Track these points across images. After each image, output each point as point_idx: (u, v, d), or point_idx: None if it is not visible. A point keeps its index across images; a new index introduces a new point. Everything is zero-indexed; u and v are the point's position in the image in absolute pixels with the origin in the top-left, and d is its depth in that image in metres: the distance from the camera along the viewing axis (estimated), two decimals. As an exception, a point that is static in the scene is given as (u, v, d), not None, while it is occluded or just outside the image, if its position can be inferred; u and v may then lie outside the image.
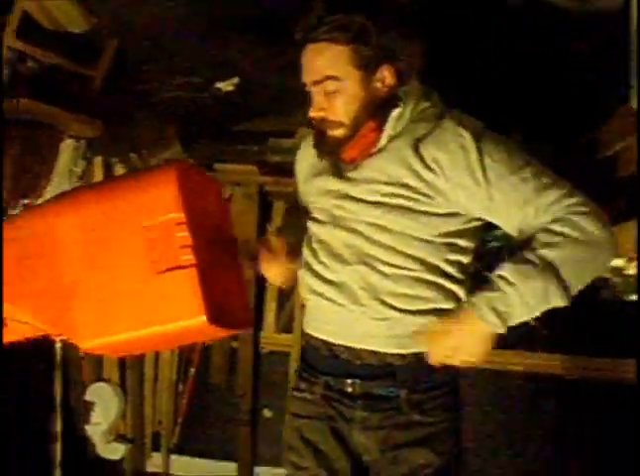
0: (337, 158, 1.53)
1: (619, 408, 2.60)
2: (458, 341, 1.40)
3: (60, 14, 2.51)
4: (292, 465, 1.61)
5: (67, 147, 2.75)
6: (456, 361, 1.42)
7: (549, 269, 1.32)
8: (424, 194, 1.45)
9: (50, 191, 2.68)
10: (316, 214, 1.60)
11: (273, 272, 1.67)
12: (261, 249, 1.64)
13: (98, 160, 2.98)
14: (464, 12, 2.32)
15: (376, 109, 1.47)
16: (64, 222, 1.45)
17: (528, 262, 1.34)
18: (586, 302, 2.67)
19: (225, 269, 1.56)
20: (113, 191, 1.50)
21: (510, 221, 1.43)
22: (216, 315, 1.39)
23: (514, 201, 1.40)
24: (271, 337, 3.04)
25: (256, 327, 3.00)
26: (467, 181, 1.42)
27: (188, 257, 1.38)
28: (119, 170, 3.00)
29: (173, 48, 2.62)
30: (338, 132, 1.47)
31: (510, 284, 1.34)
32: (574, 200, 1.37)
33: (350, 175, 1.53)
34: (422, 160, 1.44)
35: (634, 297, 2.68)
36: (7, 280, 1.47)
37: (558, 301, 1.34)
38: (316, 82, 1.46)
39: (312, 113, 1.49)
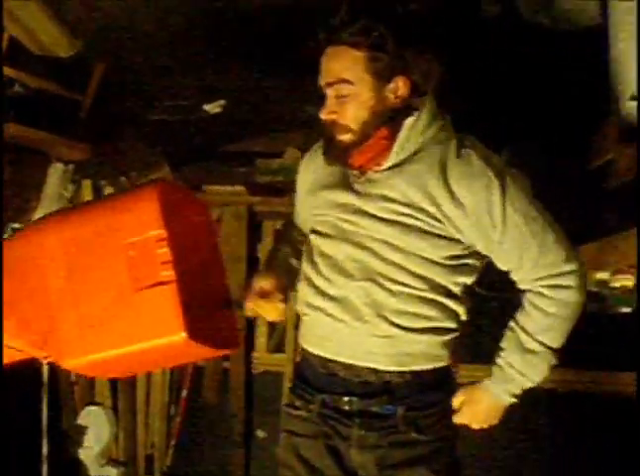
0: (345, 163, 1.53)
1: (614, 420, 2.60)
2: (478, 416, 1.57)
3: (47, 38, 2.52)
4: None
5: (56, 171, 2.76)
6: (475, 427, 1.59)
7: (549, 352, 1.50)
8: (438, 220, 1.47)
9: (39, 215, 2.68)
10: (320, 227, 1.58)
11: (269, 311, 1.62)
12: (250, 292, 1.61)
13: (87, 183, 3.00)
14: (463, 16, 2.34)
15: (387, 118, 1.48)
16: (49, 243, 1.46)
17: (532, 352, 1.49)
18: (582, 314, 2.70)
19: (210, 288, 1.55)
20: (96, 211, 1.52)
21: (507, 265, 1.52)
22: (197, 333, 1.38)
23: (518, 252, 1.48)
24: (263, 357, 3.05)
25: (247, 347, 3.01)
26: (485, 222, 1.47)
27: (169, 273, 1.38)
28: (108, 192, 3.01)
29: (160, 71, 2.64)
30: (346, 137, 1.48)
31: (522, 374, 1.51)
32: (567, 269, 1.48)
33: (363, 189, 1.52)
34: (446, 193, 1.46)
35: (623, 310, 2.69)
36: (3, 298, 1.47)
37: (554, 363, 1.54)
38: (330, 84, 1.48)
39: (323, 115, 1.50)
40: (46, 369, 1.61)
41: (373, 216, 1.50)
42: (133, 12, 2.42)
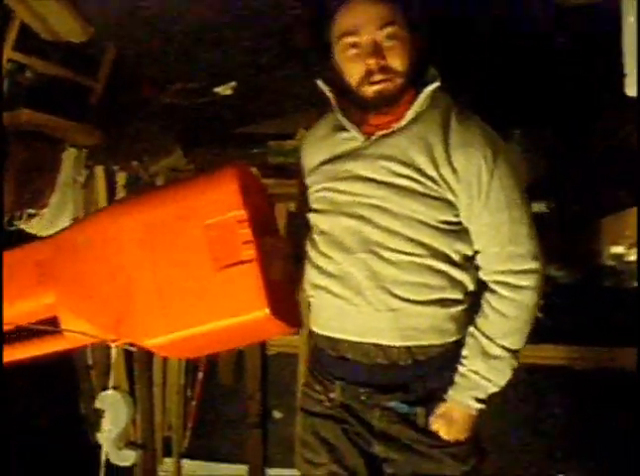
0: (363, 121, 1.53)
1: (628, 396, 2.61)
2: (454, 431, 1.54)
3: (58, 25, 2.54)
4: (307, 462, 1.63)
5: (69, 156, 2.80)
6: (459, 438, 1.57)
7: (512, 356, 1.52)
8: (434, 181, 1.48)
9: (53, 201, 2.72)
10: (317, 205, 1.60)
11: None
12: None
13: (99, 168, 3.02)
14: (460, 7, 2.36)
15: (412, 79, 1.51)
16: (128, 225, 1.51)
17: (495, 357, 1.51)
18: (590, 291, 2.72)
19: (277, 268, 1.59)
20: (175, 193, 1.57)
21: (477, 243, 1.52)
22: (277, 310, 1.44)
23: (490, 232, 1.50)
24: (278, 339, 3.05)
25: (262, 329, 3.03)
26: (472, 191, 1.48)
27: (250, 252, 1.44)
28: (120, 177, 3.04)
29: (171, 54, 2.66)
30: (395, 81, 1.49)
31: (488, 380, 1.52)
32: (531, 266, 1.49)
33: (363, 152, 1.53)
34: (445, 157, 1.48)
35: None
36: (68, 286, 1.52)
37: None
38: (382, 27, 1.47)
39: (371, 60, 1.47)
40: (114, 352, 1.66)
41: (369, 179, 1.50)
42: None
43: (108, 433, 3.11)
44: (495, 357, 1.50)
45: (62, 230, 1.72)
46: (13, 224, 2.67)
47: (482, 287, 1.56)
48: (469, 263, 1.54)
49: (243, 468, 3.08)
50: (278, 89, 2.67)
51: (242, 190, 1.48)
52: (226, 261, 1.44)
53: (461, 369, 1.53)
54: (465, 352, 1.53)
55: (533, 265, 1.50)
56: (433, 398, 1.54)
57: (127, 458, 3.16)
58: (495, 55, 2.55)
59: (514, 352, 1.52)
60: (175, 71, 2.74)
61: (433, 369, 1.54)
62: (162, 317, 1.46)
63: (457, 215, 1.50)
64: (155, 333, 1.48)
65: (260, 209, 1.59)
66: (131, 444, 3.17)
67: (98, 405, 3.13)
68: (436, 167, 1.47)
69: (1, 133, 2.49)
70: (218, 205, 1.47)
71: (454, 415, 1.53)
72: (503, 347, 1.50)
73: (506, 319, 1.50)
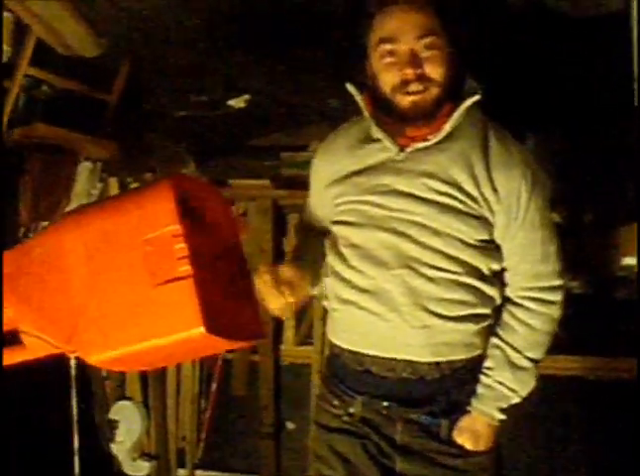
0: (399, 133, 1.50)
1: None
2: (484, 438, 1.56)
3: (73, 39, 2.60)
4: None
5: (84, 169, 2.84)
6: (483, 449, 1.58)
7: (535, 366, 1.56)
8: (474, 200, 1.48)
9: (69, 214, 2.76)
10: (346, 217, 1.56)
11: (272, 299, 1.53)
12: (266, 274, 1.52)
13: (113, 180, 3.06)
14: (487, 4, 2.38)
15: (450, 92, 1.49)
16: (69, 241, 1.49)
17: (522, 368, 1.54)
18: (604, 303, 2.73)
19: (232, 281, 1.56)
20: (113, 208, 1.54)
21: (508, 260, 1.55)
22: (216, 326, 1.39)
23: (523, 251, 1.53)
24: (291, 350, 3.09)
25: (275, 340, 3.06)
26: (511, 211, 1.50)
27: (185, 268, 1.39)
28: (134, 189, 3.08)
29: (184, 67, 2.70)
30: (431, 92, 1.46)
31: (513, 391, 1.55)
32: (557, 283, 1.55)
33: (401, 166, 1.50)
34: (486, 176, 1.48)
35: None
36: (26, 299, 1.52)
37: None
38: (421, 37, 1.45)
39: (409, 70, 1.44)
40: (74, 363, 1.65)
41: (409, 195, 1.48)
42: (157, 10, 2.49)
43: (122, 444, 3.16)
44: (522, 368, 1.53)
45: (29, 240, 1.72)
46: (29, 236, 2.71)
47: (503, 304, 1.58)
48: (497, 279, 1.56)
49: (256, 479, 3.11)
50: (291, 102, 2.70)
51: (177, 204, 1.42)
52: (163, 277, 1.39)
53: (486, 380, 1.54)
54: (489, 364, 1.55)
55: (560, 282, 1.55)
56: (456, 410, 1.56)
57: (141, 469, 3.20)
58: (507, 60, 2.57)
59: (537, 363, 1.56)
60: (189, 84, 2.78)
61: (457, 382, 1.55)
62: (103, 334, 1.44)
63: (491, 234, 1.51)
64: (96, 350, 1.45)
65: (210, 224, 1.54)
66: (145, 455, 3.21)
67: (112, 415, 3.17)
68: (477, 185, 1.47)
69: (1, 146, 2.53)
70: (154, 220, 1.42)
71: (478, 426, 1.54)
72: (529, 359, 1.54)
73: (534, 332, 1.53)
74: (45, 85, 2.74)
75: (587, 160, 2.74)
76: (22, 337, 1.52)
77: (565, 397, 2.84)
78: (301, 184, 2.36)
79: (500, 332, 1.55)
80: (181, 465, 3.19)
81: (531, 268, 1.53)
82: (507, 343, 1.54)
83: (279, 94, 2.73)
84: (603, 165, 2.68)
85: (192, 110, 2.82)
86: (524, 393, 1.55)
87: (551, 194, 1.56)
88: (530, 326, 1.53)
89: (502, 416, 1.55)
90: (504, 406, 1.55)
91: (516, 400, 1.55)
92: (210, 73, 2.70)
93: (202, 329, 1.36)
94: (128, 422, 3.16)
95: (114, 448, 3.18)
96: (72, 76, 2.70)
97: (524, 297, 1.54)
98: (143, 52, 2.68)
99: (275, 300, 1.51)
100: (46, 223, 2.70)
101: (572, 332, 2.73)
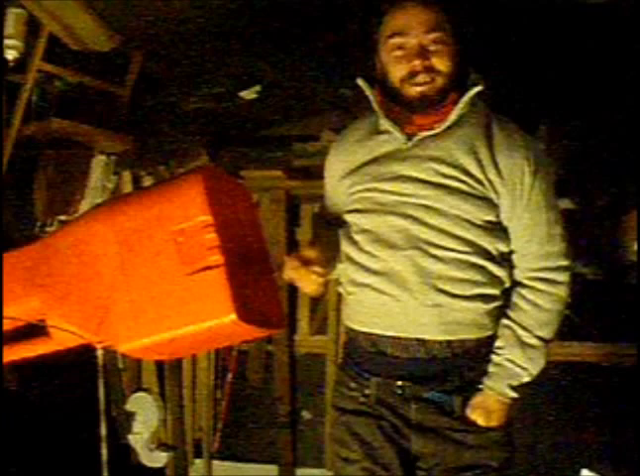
0: (407, 122, 1.57)
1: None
2: (497, 415, 1.60)
3: (85, 35, 2.64)
4: (342, 460, 1.67)
5: (99, 163, 2.88)
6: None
7: (545, 345, 1.60)
8: (479, 182, 1.54)
9: (84, 207, 2.81)
10: (359, 205, 1.62)
11: (307, 280, 1.58)
12: (292, 260, 1.57)
13: (127, 174, 3.10)
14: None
15: (456, 82, 1.57)
16: (101, 232, 1.54)
17: (531, 346, 1.58)
18: (618, 289, 2.74)
19: (255, 271, 1.61)
20: (143, 200, 1.59)
21: (515, 243, 1.60)
22: (246, 314, 1.45)
23: (530, 232, 1.58)
24: (306, 340, 3.12)
25: (290, 330, 3.09)
26: (515, 192, 1.56)
27: (216, 257, 1.44)
28: (147, 182, 3.11)
29: (195, 60, 2.73)
30: (438, 82, 1.54)
31: (523, 369, 1.59)
32: (564, 263, 1.59)
33: (409, 153, 1.57)
34: (490, 158, 1.55)
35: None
36: (52, 289, 1.57)
37: None
38: (429, 31, 1.54)
39: (417, 61, 1.53)
40: (100, 354, 1.68)
41: (417, 180, 1.55)
42: (167, 4, 2.52)
43: (139, 435, 3.20)
44: (531, 346, 1.57)
45: (50, 234, 1.76)
46: (45, 231, 2.76)
47: (512, 287, 1.63)
48: (505, 260, 1.61)
49: (273, 468, 3.14)
50: (302, 92, 2.72)
51: (208, 195, 1.48)
52: (194, 266, 1.45)
53: (496, 359, 1.59)
54: (500, 343, 1.59)
55: (567, 262, 1.58)
56: (469, 388, 1.60)
57: (158, 459, 3.24)
58: (520, 50, 2.59)
59: (547, 342, 1.59)
60: (201, 77, 2.81)
61: (469, 362, 1.59)
62: (135, 323, 1.48)
63: (498, 215, 1.57)
64: (128, 339, 1.50)
65: (235, 215, 1.59)
66: (162, 446, 3.24)
67: (129, 407, 3.22)
68: (481, 168, 1.54)
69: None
70: (184, 211, 1.48)
71: (490, 403, 1.58)
72: (539, 337, 1.57)
73: (542, 311, 1.57)
74: (58, 80, 2.78)
75: (599, 146, 2.75)
76: (48, 328, 1.55)
77: (579, 383, 2.86)
78: (314, 174, 2.39)
79: (510, 313, 1.60)
80: (198, 455, 3.22)
81: (538, 249, 1.58)
82: (517, 323, 1.58)
83: (290, 85, 2.75)
84: (615, 151, 2.69)
85: (204, 102, 2.85)
86: (534, 371, 1.59)
87: (555, 180, 1.60)
88: (538, 306, 1.57)
89: (514, 394, 1.59)
90: (515, 383, 1.58)
91: (527, 378, 1.59)
92: (221, 66, 2.73)
93: (234, 316, 1.41)
94: (144, 414, 3.19)
95: (131, 439, 3.22)
96: (85, 71, 2.74)
97: (532, 278, 1.59)
98: (154, 45, 2.71)
99: (310, 281, 1.56)
100: (62, 217, 2.75)
101: (586, 319, 2.76)
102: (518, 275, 1.61)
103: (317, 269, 1.53)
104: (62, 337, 1.57)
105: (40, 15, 2.59)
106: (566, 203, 2.78)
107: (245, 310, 1.45)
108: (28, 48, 2.63)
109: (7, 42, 2.61)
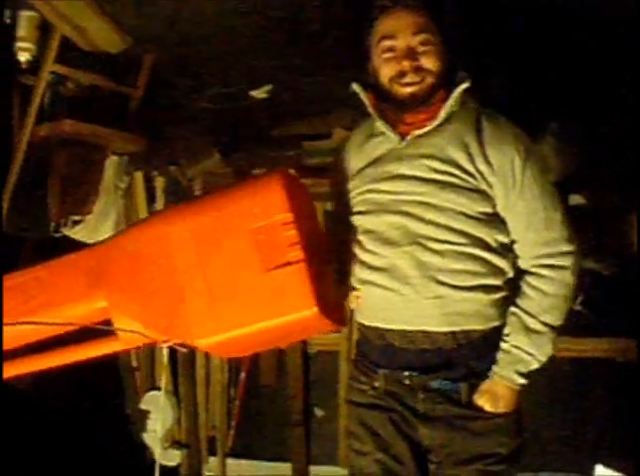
0: (398, 121, 1.65)
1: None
2: (505, 402, 1.64)
3: (97, 36, 2.68)
4: (355, 452, 1.73)
5: (111, 163, 2.92)
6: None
7: (552, 331, 1.62)
8: (471, 175, 1.60)
9: (97, 207, 2.84)
10: (361, 207, 1.69)
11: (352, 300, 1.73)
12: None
13: (139, 173, 3.14)
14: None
15: (443, 81, 1.64)
16: (178, 231, 1.60)
17: (537, 332, 1.61)
18: (629, 284, 2.76)
19: (322, 267, 1.67)
20: (220, 200, 1.67)
21: (514, 233, 1.64)
22: (325, 308, 1.53)
23: (527, 220, 1.62)
24: (319, 337, 3.12)
25: (303, 328, 3.11)
26: (507, 182, 1.61)
27: (296, 253, 1.52)
28: (159, 182, 3.15)
29: (207, 60, 2.76)
30: (427, 81, 1.62)
31: (530, 354, 1.62)
32: (567, 249, 1.62)
33: (402, 153, 1.65)
34: (480, 152, 1.61)
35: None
36: (120, 290, 1.62)
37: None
38: (416, 32, 1.62)
39: (405, 62, 1.62)
40: (166, 352, 1.74)
41: (412, 177, 1.62)
42: (178, 5, 2.56)
43: (154, 433, 3.23)
44: (537, 332, 1.60)
45: (112, 236, 1.82)
46: (59, 231, 2.80)
47: (518, 277, 1.67)
48: (506, 251, 1.65)
49: (287, 466, 3.17)
50: (313, 91, 2.75)
51: (287, 194, 1.57)
52: (274, 262, 1.53)
53: (504, 345, 1.62)
54: (507, 330, 1.63)
55: (568, 247, 1.62)
56: (475, 376, 1.64)
57: (172, 458, 3.29)
58: (532, 47, 2.60)
59: (554, 328, 1.62)
60: (211, 77, 2.84)
61: (474, 353, 1.64)
62: (214, 318, 1.55)
63: (493, 206, 1.62)
64: (207, 334, 1.56)
65: (303, 215, 1.67)
66: (176, 444, 3.29)
67: (143, 405, 3.26)
68: (472, 161, 1.60)
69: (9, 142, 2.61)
70: (264, 209, 1.56)
71: (498, 389, 1.62)
72: (544, 323, 1.61)
73: (546, 297, 1.61)
74: (70, 81, 2.82)
75: (609, 143, 2.76)
76: (115, 329, 1.60)
77: (592, 379, 2.88)
78: (325, 172, 2.41)
79: (517, 300, 1.64)
80: (212, 453, 3.27)
81: (537, 236, 1.62)
82: (522, 309, 1.62)
83: (302, 83, 2.78)
84: (625, 148, 2.70)
85: (215, 102, 2.88)
86: (542, 357, 1.62)
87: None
88: (543, 292, 1.61)
89: (522, 381, 1.62)
90: (523, 370, 1.62)
91: (535, 364, 1.62)
92: (232, 65, 2.76)
93: (316, 310, 1.50)
94: (159, 412, 3.24)
95: (146, 438, 3.26)
96: (97, 72, 2.77)
97: (535, 266, 1.63)
98: (166, 46, 2.74)
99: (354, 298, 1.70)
100: (75, 217, 2.78)
101: (600, 314, 2.78)
102: (522, 263, 1.65)
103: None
104: (129, 337, 1.62)
105: (51, 17, 2.63)
106: (577, 199, 2.80)
107: (323, 305, 1.53)
108: (40, 50, 2.68)
109: (20, 44, 2.66)
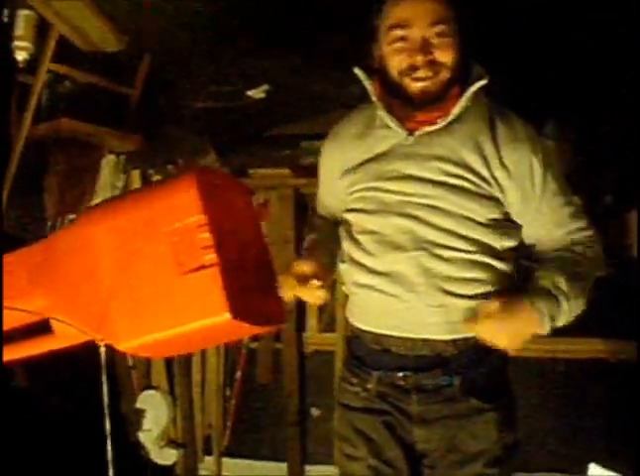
0: (409, 118, 1.54)
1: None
2: (512, 328, 1.49)
3: (94, 36, 2.71)
4: (346, 456, 1.65)
5: (108, 162, 2.95)
6: (501, 344, 1.51)
7: (588, 288, 1.55)
8: (485, 180, 1.53)
9: (94, 206, 2.87)
10: (361, 204, 1.60)
11: (308, 295, 1.59)
12: (288, 279, 1.59)
13: (136, 172, 3.17)
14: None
15: (458, 76, 1.54)
16: (98, 231, 1.58)
17: (579, 277, 1.53)
18: (628, 286, 2.78)
19: (255, 269, 1.64)
20: (139, 200, 1.63)
21: (539, 232, 1.60)
22: (241, 312, 1.47)
23: (554, 219, 1.58)
24: (315, 337, 3.18)
25: (299, 328, 3.16)
26: (526, 186, 1.55)
27: (210, 256, 1.47)
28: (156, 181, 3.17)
29: (204, 59, 2.79)
30: (440, 76, 1.51)
31: (568, 299, 1.50)
32: (590, 233, 1.60)
33: (412, 151, 1.55)
34: (495, 154, 1.53)
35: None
36: (56, 288, 1.62)
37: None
38: (433, 24, 1.50)
39: (419, 56, 1.50)
40: (103, 351, 1.74)
41: (421, 179, 1.53)
42: (175, 4, 2.59)
43: (149, 433, 3.26)
44: (579, 275, 1.52)
45: (56, 233, 1.82)
46: (55, 230, 2.82)
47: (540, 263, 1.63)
48: (511, 255, 1.59)
49: (282, 466, 3.20)
50: (311, 90, 2.77)
51: (201, 195, 1.51)
52: (189, 266, 1.49)
53: (543, 282, 1.51)
54: (545, 272, 1.53)
55: (590, 232, 1.60)
56: (469, 371, 1.57)
57: (168, 457, 3.31)
58: (532, 47, 2.63)
59: (588, 289, 1.54)
60: (208, 76, 2.86)
61: (472, 357, 1.58)
62: (132, 322, 1.53)
63: (503, 213, 1.56)
64: (126, 337, 1.54)
65: (232, 215, 1.63)
66: (172, 443, 3.31)
67: (139, 405, 3.28)
68: (487, 165, 1.52)
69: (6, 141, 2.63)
70: (178, 211, 1.51)
71: (520, 309, 1.49)
72: (588, 274, 1.55)
73: (579, 265, 1.54)
74: (67, 81, 2.85)
75: (606, 143, 2.78)
76: (52, 326, 1.61)
77: (591, 379, 2.90)
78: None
79: (549, 265, 1.57)
80: (208, 452, 3.29)
81: (565, 229, 1.58)
82: (555, 269, 1.54)
83: (298, 83, 2.81)
84: (623, 148, 2.72)
85: (212, 101, 2.91)
86: (575, 307, 1.51)
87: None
88: (576, 260, 1.55)
89: (546, 323, 1.48)
90: (556, 314, 1.49)
91: (567, 312, 1.49)
92: (229, 65, 2.79)
93: (228, 315, 1.45)
94: (154, 411, 3.26)
95: (141, 437, 3.29)
96: (94, 72, 2.80)
97: (564, 249, 1.58)
98: (163, 45, 2.77)
99: (312, 294, 1.57)
100: (72, 216, 2.81)
101: (595, 315, 2.79)
102: (548, 252, 1.59)
103: (315, 282, 1.53)
104: (66, 334, 1.61)
105: (49, 16, 2.66)
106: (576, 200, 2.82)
107: (240, 308, 1.47)
108: (38, 49, 2.70)
109: (17, 43, 2.69)
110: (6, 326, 1.66)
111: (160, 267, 1.52)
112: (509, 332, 1.49)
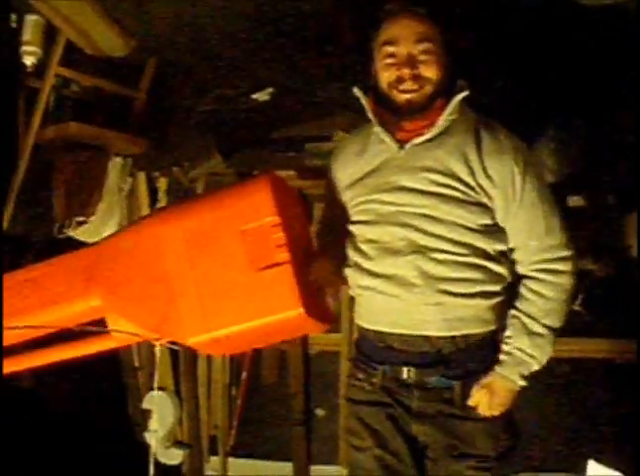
0: (396, 128, 1.69)
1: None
2: (493, 404, 1.70)
3: (101, 40, 2.76)
4: (354, 448, 1.78)
5: (115, 165, 3.00)
6: (490, 414, 1.71)
7: (552, 334, 1.70)
8: (473, 189, 1.66)
9: (101, 209, 2.92)
10: (363, 216, 1.75)
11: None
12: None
13: (141, 175, 3.22)
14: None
15: (442, 90, 1.68)
16: (170, 232, 1.68)
17: (538, 335, 1.68)
18: (626, 285, 2.81)
19: (308, 270, 1.73)
20: (211, 203, 1.74)
21: (515, 240, 1.71)
22: (310, 308, 1.60)
23: (528, 228, 1.69)
24: (319, 338, 3.19)
25: (304, 329, 3.17)
26: (508, 193, 1.67)
27: (284, 255, 1.60)
28: (161, 183, 3.22)
29: (209, 63, 2.83)
30: (425, 89, 1.66)
31: (531, 356, 1.69)
32: (565, 254, 1.70)
33: (403, 163, 1.69)
34: (480, 164, 1.66)
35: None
36: (114, 289, 1.69)
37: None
38: (419, 41, 1.66)
39: (405, 70, 1.66)
40: (158, 350, 1.81)
41: (413, 190, 1.67)
42: (181, 9, 2.63)
43: (155, 433, 3.29)
44: (538, 335, 1.67)
45: (107, 237, 1.88)
46: (63, 232, 2.88)
47: (518, 280, 1.74)
48: (504, 258, 1.73)
49: (288, 465, 3.24)
50: (314, 93, 2.81)
51: (275, 197, 1.64)
52: (262, 263, 1.60)
53: (506, 347, 1.69)
54: (509, 333, 1.70)
55: (568, 252, 1.70)
56: (470, 376, 1.70)
57: (174, 457, 3.35)
58: (532, 47, 2.67)
59: (554, 330, 1.69)
60: (214, 79, 2.90)
61: (472, 354, 1.71)
62: (204, 317, 1.62)
63: (492, 218, 1.68)
64: (196, 332, 1.64)
65: (292, 215, 1.73)
66: (178, 443, 3.35)
67: (145, 405, 3.32)
68: (472, 174, 1.66)
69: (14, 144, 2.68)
70: (253, 212, 1.63)
71: (497, 387, 1.68)
72: (545, 326, 1.68)
73: (547, 301, 1.68)
74: (74, 84, 2.90)
75: (609, 143, 2.81)
76: (108, 327, 1.67)
77: (592, 379, 2.93)
78: (326, 174, 2.47)
79: (517, 304, 1.72)
80: (214, 452, 3.33)
81: (538, 243, 1.69)
82: (524, 312, 1.70)
83: (303, 86, 2.84)
84: (623, 148, 2.76)
85: (217, 104, 2.95)
86: (543, 359, 1.69)
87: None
88: (543, 295, 1.69)
89: (522, 383, 1.69)
90: (525, 372, 1.68)
91: (535, 366, 1.69)
92: (234, 68, 2.82)
93: (302, 310, 1.57)
94: (160, 412, 3.29)
95: (147, 437, 3.32)
96: (101, 75, 2.85)
97: (536, 270, 1.70)
98: (168, 49, 2.81)
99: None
100: (79, 218, 2.86)
101: (598, 315, 2.83)
102: (522, 269, 1.72)
103: (330, 299, 1.72)
104: (121, 335, 1.69)
105: (56, 21, 2.71)
106: (576, 201, 2.86)
107: (309, 305, 1.59)
108: (46, 53, 2.75)
109: (25, 48, 2.75)
110: (60, 326, 1.71)
111: (232, 264, 1.62)
112: (492, 407, 1.69)
